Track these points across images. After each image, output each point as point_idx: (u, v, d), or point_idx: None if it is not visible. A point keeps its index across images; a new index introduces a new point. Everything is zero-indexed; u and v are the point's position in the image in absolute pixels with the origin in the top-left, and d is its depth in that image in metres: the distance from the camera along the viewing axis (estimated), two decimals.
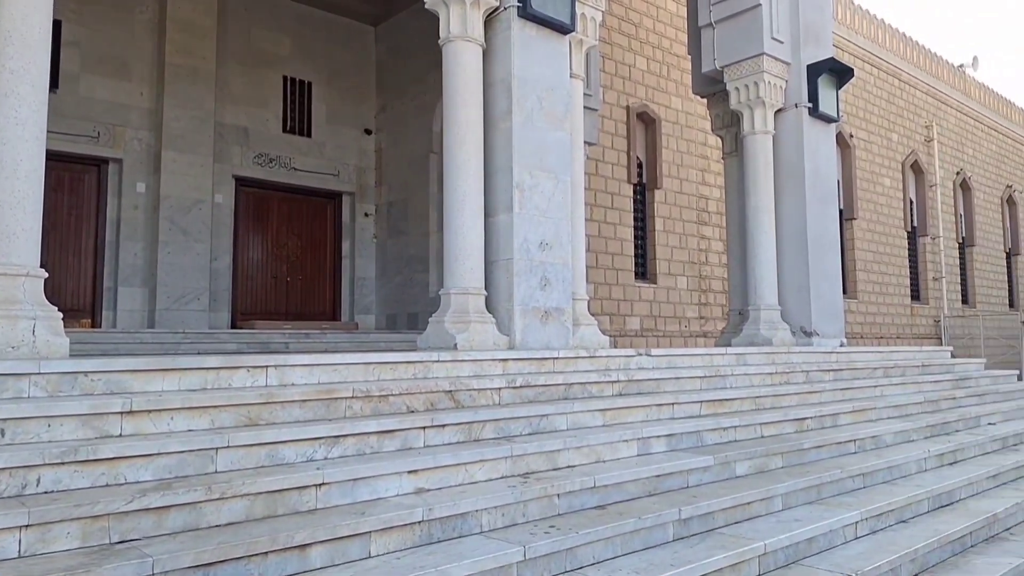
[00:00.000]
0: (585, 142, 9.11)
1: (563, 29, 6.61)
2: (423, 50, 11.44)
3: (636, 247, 13.54)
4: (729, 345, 8.91)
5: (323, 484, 3.42)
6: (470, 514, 3.55)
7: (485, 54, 6.36)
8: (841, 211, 17.01)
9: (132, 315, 10.41)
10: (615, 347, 8.75)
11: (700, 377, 6.31)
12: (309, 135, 12.53)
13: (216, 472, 3.38)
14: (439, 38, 6.30)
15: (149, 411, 3.52)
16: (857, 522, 4.48)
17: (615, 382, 5.72)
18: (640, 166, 13.88)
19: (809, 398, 6.71)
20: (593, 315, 8.61)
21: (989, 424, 7.54)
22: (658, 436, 4.97)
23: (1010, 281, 24.87)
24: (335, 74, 12.92)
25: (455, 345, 5.67)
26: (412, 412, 4.37)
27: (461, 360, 5.11)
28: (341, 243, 13.00)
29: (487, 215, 6.28)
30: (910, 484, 5.32)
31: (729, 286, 10.35)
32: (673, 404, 5.57)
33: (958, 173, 22.32)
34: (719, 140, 10.50)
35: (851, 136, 18.25)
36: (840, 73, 9.61)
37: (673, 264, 14.00)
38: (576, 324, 6.70)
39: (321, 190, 12.71)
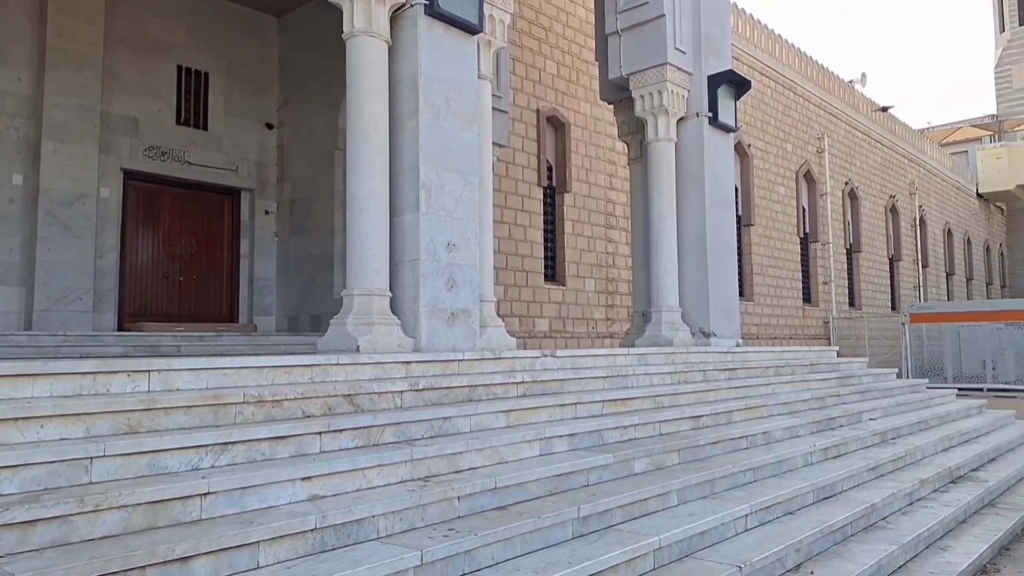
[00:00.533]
0: (495, 143, 9.11)
1: (471, 29, 6.57)
2: (329, 43, 11.15)
3: (546, 249, 13.70)
4: (633, 346, 9.11)
5: (209, 493, 3.24)
6: (366, 520, 3.46)
7: (391, 51, 6.24)
8: (739, 217, 17.77)
9: (7, 316, 9.66)
10: (524, 348, 8.78)
11: (603, 377, 6.41)
12: (205, 128, 11.98)
13: (91, 483, 3.16)
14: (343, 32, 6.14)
15: (16, 419, 3.25)
16: (747, 515, 4.64)
17: (520, 383, 5.73)
18: (550, 169, 14.05)
19: (706, 396, 6.93)
20: (502, 317, 8.62)
21: (870, 420, 7.99)
22: (560, 436, 5.01)
23: (892, 285, 26.68)
24: (234, 65, 12.41)
25: (357, 347, 5.53)
26: (308, 417, 4.23)
27: (362, 363, 4.99)
28: (239, 241, 12.50)
29: (393, 215, 6.16)
30: (797, 477, 5.56)
31: (634, 288, 10.60)
32: (576, 404, 5.63)
33: (847, 183, 23.75)
34: (626, 146, 10.74)
35: (749, 146, 19.09)
36: (739, 84, 9.99)
37: (582, 266, 14.23)
38: (483, 326, 6.67)
39: (218, 186, 12.18)
